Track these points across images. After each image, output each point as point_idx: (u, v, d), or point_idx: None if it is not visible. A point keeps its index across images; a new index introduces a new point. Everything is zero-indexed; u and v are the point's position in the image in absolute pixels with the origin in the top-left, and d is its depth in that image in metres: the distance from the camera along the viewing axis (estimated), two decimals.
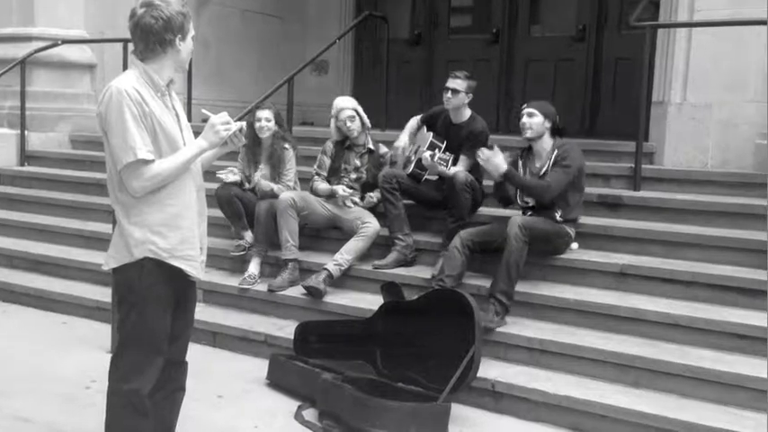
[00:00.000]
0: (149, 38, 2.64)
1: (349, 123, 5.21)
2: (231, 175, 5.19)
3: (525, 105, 4.61)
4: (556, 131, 4.59)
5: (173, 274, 2.74)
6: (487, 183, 4.91)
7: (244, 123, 2.85)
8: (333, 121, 5.32)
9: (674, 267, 4.37)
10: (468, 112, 5.11)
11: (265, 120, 5.27)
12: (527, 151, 4.69)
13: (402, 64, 8.36)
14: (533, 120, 4.52)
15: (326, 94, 8.91)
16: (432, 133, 5.14)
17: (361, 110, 5.27)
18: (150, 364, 2.76)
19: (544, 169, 4.50)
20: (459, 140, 5.03)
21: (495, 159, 4.34)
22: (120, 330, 2.83)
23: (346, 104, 5.26)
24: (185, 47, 2.72)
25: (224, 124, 2.74)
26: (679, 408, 3.64)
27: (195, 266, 2.80)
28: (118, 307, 2.84)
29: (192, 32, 2.74)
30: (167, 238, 2.69)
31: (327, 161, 5.38)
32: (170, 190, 2.69)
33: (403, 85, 8.04)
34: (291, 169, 5.34)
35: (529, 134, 4.55)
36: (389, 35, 7.76)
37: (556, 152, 4.49)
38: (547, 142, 4.56)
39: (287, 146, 5.32)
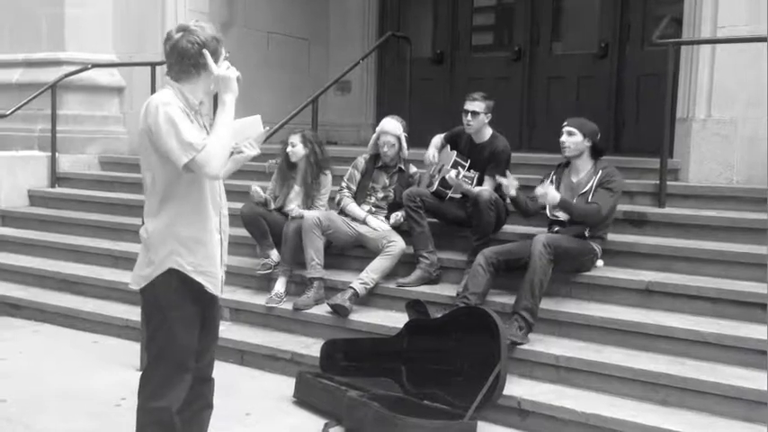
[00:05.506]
0: (184, 61, 2.73)
1: (386, 149, 5.30)
2: (256, 195, 5.25)
3: (565, 123, 4.59)
4: (596, 151, 4.57)
5: (197, 291, 2.79)
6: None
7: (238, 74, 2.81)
8: (374, 137, 5.40)
9: (700, 284, 4.35)
10: (489, 132, 5.14)
11: (291, 145, 5.36)
12: (563, 166, 4.69)
13: (424, 82, 8.40)
14: (572, 139, 4.52)
15: (350, 114, 9.05)
16: (455, 152, 5.17)
17: (404, 138, 5.34)
18: (179, 381, 2.80)
19: (586, 188, 4.49)
20: (482, 160, 5.06)
21: (552, 192, 4.35)
22: (149, 348, 2.89)
23: (391, 130, 5.31)
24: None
25: (222, 69, 2.74)
26: (709, 425, 3.62)
27: (215, 283, 2.86)
28: (146, 325, 2.90)
29: (224, 55, 2.80)
30: (194, 253, 2.76)
31: (358, 176, 5.44)
32: (198, 208, 2.76)
33: (425, 103, 8.07)
34: (326, 194, 5.44)
35: (567, 153, 4.55)
36: (412, 54, 7.83)
37: (600, 173, 4.48)
38: (586, 160, 4.56)
39: (326, 172, 5.43)
